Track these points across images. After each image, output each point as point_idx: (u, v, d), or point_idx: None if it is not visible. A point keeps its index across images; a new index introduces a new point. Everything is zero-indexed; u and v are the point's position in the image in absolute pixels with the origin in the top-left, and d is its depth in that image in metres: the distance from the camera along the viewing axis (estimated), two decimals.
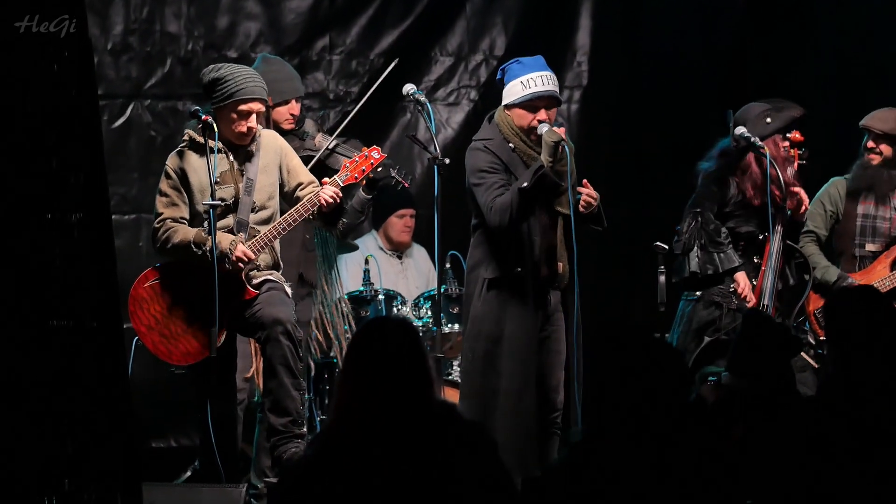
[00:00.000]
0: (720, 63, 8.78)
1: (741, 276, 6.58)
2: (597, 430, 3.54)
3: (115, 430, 3.50)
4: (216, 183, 5.80)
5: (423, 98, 6.42)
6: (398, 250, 8.12)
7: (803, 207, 6.68)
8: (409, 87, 6.49)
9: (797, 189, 6.63)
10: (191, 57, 8.10)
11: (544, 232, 6.12)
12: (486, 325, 6.11)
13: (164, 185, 5.91)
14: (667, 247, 6.50)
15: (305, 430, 5.94)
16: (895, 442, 4.06)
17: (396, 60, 7.13)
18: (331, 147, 6.64)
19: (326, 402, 7.25)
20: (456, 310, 7.37)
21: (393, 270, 8.01)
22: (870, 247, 7.02)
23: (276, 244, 5.99)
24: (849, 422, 4.08)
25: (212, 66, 5.97)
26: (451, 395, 6.75)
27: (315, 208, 5.86)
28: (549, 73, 6.20)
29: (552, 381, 6.16)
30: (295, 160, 6.06)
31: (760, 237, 6.67)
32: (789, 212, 6.66)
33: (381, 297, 7.49)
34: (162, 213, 5.88)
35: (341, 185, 5.91)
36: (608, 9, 8.76)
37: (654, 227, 7.08)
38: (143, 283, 5.91)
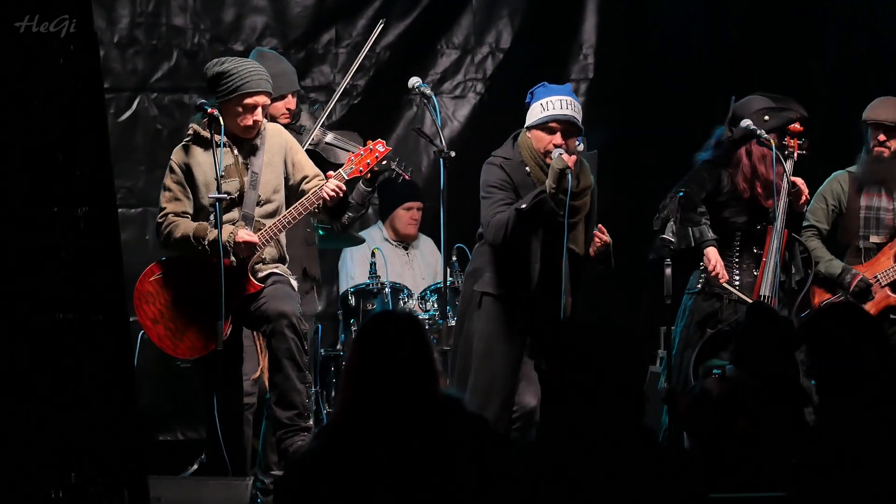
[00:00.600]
0: (726, 55, 8.77)
1: (712, 252, 6.56)
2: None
3: (122, 424, 3.50)
4: (221, 177, 5.80)
5: (428, 91, 6.43)
6: (405, 242, 8.12)
7: (803, 198, 6.66)
8: (414, 81, 6.49)
9: (795, 179, 6.62)
10: (197, 50, 8.11)
11: (548, 260, 6.08)
12: (475, 342, 6.13)
13: (168, 179, 5.91)
14: (673, 239, 6.50)
15: (312, 423, 5.93)
16: None
17: (383, 21, 7.14)
18: (328, 140, 6.64)
19: (333, 395, 7.25)
20: None
21: (399, 262, 8.01)
22: (874, 238, 7.02)
23: (282, 238, 5.99)
24: None
25: (215, 60, 5.97)
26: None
27: (320, 202, 5.86)
28: (569, 99, 6.10)
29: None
30: (300, 154, 6.06)
31: (759, 227, 6.66)
32: (784, 203, 6.62)
33: (387, 289, 7.49)
34: (165, 208, 5.88)
35: (346, 178, 5.91)
36: (614, 2, 8.75)
37: None
38: (148, 277, 5.92)
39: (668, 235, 6.38)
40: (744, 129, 6.54)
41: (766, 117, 6.60)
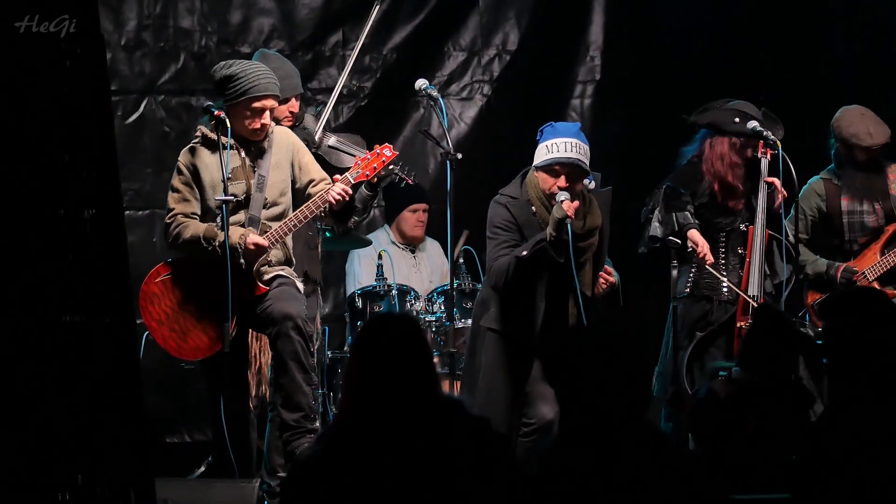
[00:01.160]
0: (733, 57, 8.77)
1: (695, 234, 6.56)
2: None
3: (128, 426, 3.50)
4: (228, 179, 5.80)
5: (435, 93, 6.42)
6: (411, 244, 8.12)
7: (779, 199, 6.64)
8: (421, 82, 6.49)
9: (770, 180, 6.61)
10: (204, 52, 8.12)
11: (554, 300, 6.05)
12: (479, 377, 6.13)
13: (175, 181, 5.92)
14: (679, 241, 6.50)
15: (318, 425, 5.93)
16: None
17: (378, 3, 7.14)
18: (330, 143, 6.64)
19: (339, 397, 7.26)
20: (469, 305, 7.37)
21: (406, 264, 8.01)
22: (860, 240, 7.03)
23: (288, 240, 6.00)
24: None
25: (223, 63, 5.97)
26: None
27: (325, 206, 5.86)
28: (575, 141, 5.98)
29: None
30: (307, 157, 6.06)
31: (742, 227, 6.67)
32: (763, 202, 6.62)
33: (394, 291, 7.49)
34: (173, 209, 5.89)
35: (353, 182, 5.91)
36: (620, 3, 8.75)
37: None
38: (154, 279, 5.93)
39: (656, 232, 6.42)
40: (751, 129, 6.55)
41: (737, 119, 6.61)
